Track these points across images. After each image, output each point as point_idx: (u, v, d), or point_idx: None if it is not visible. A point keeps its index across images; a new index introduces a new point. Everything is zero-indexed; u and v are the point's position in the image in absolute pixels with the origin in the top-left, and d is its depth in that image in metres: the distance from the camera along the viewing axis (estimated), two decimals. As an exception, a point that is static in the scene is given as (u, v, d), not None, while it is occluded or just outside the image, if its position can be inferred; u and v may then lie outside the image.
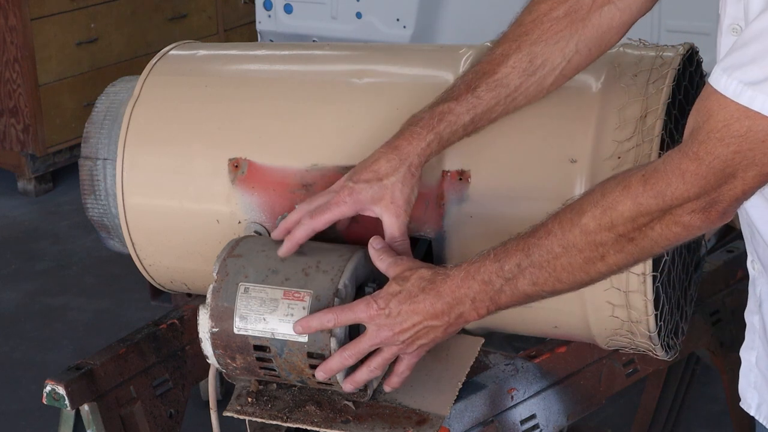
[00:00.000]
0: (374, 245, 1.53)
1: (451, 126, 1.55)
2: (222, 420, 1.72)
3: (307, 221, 1.56)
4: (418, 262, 1.51)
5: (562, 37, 1.54)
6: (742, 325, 1.52)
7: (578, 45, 1.54)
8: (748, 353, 1.50)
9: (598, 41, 1.55)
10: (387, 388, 1.56)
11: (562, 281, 1.38)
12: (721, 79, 1.20)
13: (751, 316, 1.50)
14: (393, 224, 1.55)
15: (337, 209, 1.56)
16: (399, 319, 1.46)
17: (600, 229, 1.32)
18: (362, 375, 1.51)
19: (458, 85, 1.57)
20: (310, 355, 1.51)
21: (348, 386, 1.52)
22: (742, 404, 1.52)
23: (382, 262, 1.52)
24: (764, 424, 1.49)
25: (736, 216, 2.70)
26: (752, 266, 1.48)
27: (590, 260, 1.34)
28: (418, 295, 1.45)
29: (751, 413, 1.51)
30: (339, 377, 1.52)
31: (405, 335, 1.47)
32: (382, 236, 1.56)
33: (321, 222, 1.56)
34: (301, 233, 1.56)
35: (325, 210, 1.56)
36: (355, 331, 1.52)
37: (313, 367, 1.52)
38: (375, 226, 1.64)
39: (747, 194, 1.24)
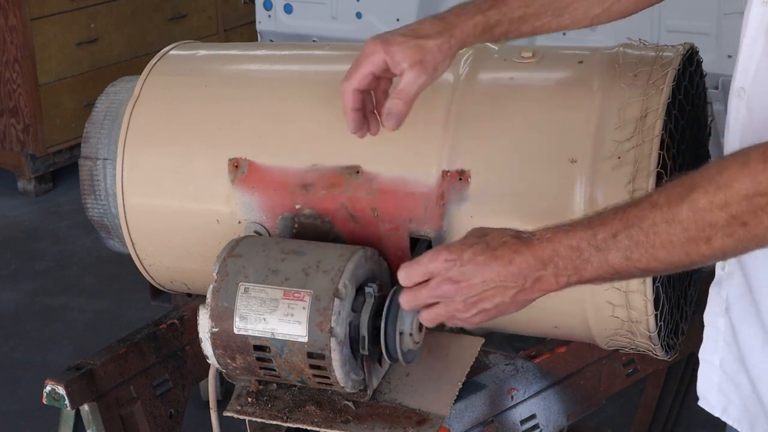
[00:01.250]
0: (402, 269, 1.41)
1: (500, 14, 1.52)
2: (222, 420, 1.73)
3: (344, 85, 1.51)
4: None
5: None
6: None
7: None
8: (709, 355, 1.46)
9: None
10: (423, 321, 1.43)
11: (658, 259, 1.27)
12: None
13: (714, 317, 1.46)
14: (413, 83, 1.48)
15: (368, 60, 1.50)
16: (470, 271, 1.33)
17: (711, 207, 1.22)
18: (405, 299, 1.40)
19: None
20: (310, 355, 1.51)
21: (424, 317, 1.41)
22: (702, 404, 1.49)
23: (419, 262, 1.40)
24: (732, 425, 1.48)
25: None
26: (721, 267, 1.44)
27: (694, 240, 1.24)
28: (497, 248, 1.33)
29: (716, 414, 1.48)
30: (339, 375, 1.52)
31: (471, 292, 1.34)
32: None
33: (357, 78, 1.51)
34: (347, 100, 1.52)
35: (357, 65, 1.51)
36: (355, 332, 1.52)
37: (313, 367, 1.52)
38: (375, 226, 1.64)
39: None
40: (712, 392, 1.48)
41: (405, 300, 1.39)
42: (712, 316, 1.47)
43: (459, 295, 1.35)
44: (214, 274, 1.57)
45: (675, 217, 1.24)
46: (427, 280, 1.37)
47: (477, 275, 1.33)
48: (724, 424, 1.52)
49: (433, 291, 1.36)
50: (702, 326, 1.90)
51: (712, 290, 1.46)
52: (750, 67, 1.31)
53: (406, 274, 1.37)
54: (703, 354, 1.48)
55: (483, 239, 1.34)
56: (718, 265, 1.46)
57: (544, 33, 1.57)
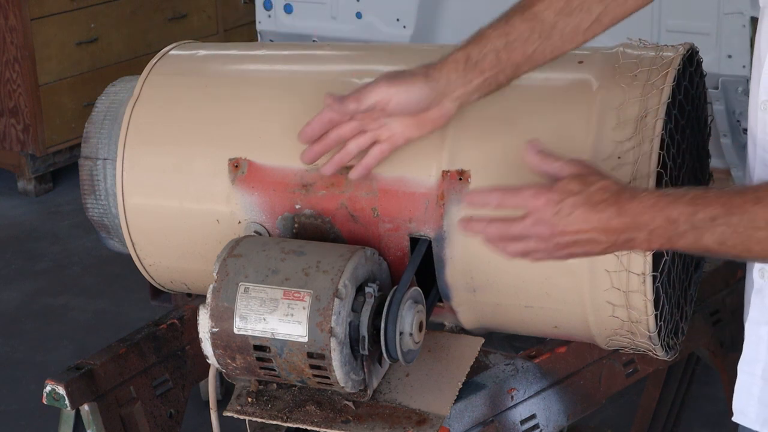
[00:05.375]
0: (533, 149, 1.43)
1: (480, 47, 1.51)
2: (222, 420, 1.73)
3: (340, 106, 1.55)
4: (600, 169, 1.41)
5: None
6: (742, 326, 1.51)
7: None
8: (751, 366, 1.45)
9: None
10: (488, 240, 1.43)
11: (751, 251, 1.30)
12: None
13: (757, 327, 1.45)
14: (384, 153, 1.58)
15: (380, 155, 1.58)
16: (567, 220, 1.35)
17: None
18: (476, 226, 1.43)
19: (495, 18, 1.55)
20: (310, 355, 1.51)
21: (461, 224, 1.46)
22: (738, 418, 1.47)
23: (550, 163, 1.41)
24: None
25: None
26: (760, 275, 1.43)
27: None
28: (599, 203, 1.34)
29: (756, 429, 1.46)
30: (339, 375, 1.52)
31: (564, 238, 1.36)
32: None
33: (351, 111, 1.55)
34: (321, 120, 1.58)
35: (359, 99, 1.54)
36: (355, 332, 1.52)
37: (313, 367, 1.52)
38: (375, 226, 1.64)
39: None
40: (752, 405, 1.46)
41: (495, 229, 1.39)
42: (754, 325, 1.45)
43: (552, 238, 1.36)
44: (214, 274, 1.57)
45: None
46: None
47: (573, 224, 1.34)
48: (723, 424, 1.51)
49: (528, 229, 1.37)
50: (702, 326, 1.90)
51: (755, 298, 1.45)
52: None
53: (500, 198, 1.39)
54: (742, 365, 1.46)
55: (585, 189, 1.35)
56: (756, 273, 1.44)
57: (541, 62, 1.53)
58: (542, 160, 1.42)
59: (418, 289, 1.58)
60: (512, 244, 1.40)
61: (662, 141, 1.52)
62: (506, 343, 2.41)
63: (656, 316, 1.55)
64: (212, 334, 1.55)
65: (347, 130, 1.58)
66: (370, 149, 1.59)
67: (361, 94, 1.53)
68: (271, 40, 3.82)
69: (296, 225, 1.68)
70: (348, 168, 1.64)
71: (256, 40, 4.08)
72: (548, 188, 1.37)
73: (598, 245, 1.36)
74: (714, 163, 1.92)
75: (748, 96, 2.74)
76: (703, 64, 1.73)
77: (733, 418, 1.48)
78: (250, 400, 1.63)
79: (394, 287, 1.55)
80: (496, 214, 1.42)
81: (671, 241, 1.32)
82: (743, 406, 1.47)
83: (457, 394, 1.63)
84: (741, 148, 3.16)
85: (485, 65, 1.52)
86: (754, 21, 2.99)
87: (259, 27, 3.88)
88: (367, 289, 1.54)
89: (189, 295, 2.04)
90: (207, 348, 1.57)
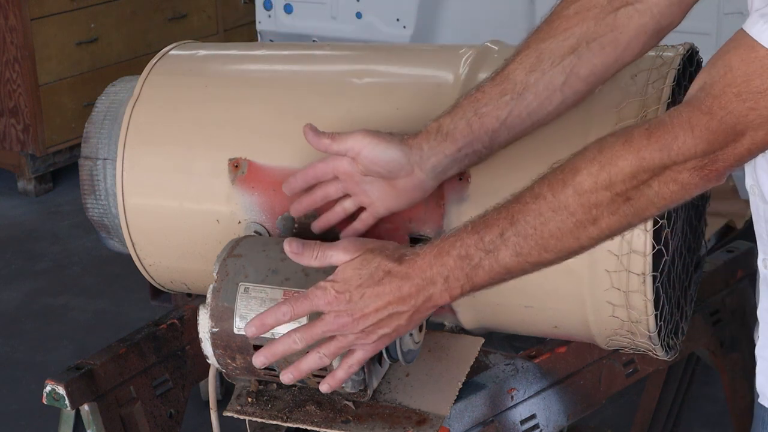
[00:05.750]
0: (293, 249, 1.46)
1: (452, 117, 1.48)
2: (222, 420, 1.73)
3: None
4: (377, 242, 1.43)
5: (571, 34, 1.45)
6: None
7: (589, 42, 1.45)
8: (766, 351, 1.45)
9: (613, 41, 1.45)
10: (324, 388, 1.46)
11: (548, 250, 1.30)
12: (756, 24, 1.17)
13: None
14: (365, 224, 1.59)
15: (365, 226, 1.59)
16: (361, 303, 1.36)
17: (596, 188, 1.24)
18: (309, 363, 1.42)
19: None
20: (310, 355, 1.51)
21: (286, 376, 1.44)
22: (764, 401, 1.46)
23: (320, 258, 1.44)
24: None
25: (738, 215, 2.71)
26: (764, 265, 1.43)
27: (582, 224, 1.27)
28: (383, 278, 1.36)
29: None
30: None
31: (366, 322, 1.37)
32: (379, 234, 1.53)
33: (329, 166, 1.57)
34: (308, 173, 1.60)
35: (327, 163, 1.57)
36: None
37: (313, 367, 1.52)
38: (375, 226, 1.64)
39: (751, 154, 1.21)
40: None
41: (299, 337, 1.40)
42: (766, 313, 1.45)
43: (357, 325, 1.37)
44: (214, 274, 1.57)
45: (561, 204, 1.26)
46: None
47: (369, 306, 1.36)
48: (723, 424, 1.51)
49: (329, 326, 1.38)
50: (702, 326, 1.90)
51: (763, 286, 1.44)
52: None
53: (291, 310, 1.40)
54: (759, 350, 1.46)
55: (366, 270, 1.37)
56: (760, 263, 1.44)
57: (519, 127, 1.48)
58: (310, 257, 1.44)
59: (418, 289, 1.58)
60: (322, 347, 1.40)
61: (662, 141, 1.52)
62: (506, 343, 2.41)
63: (656, 316, 1.55)
64: (212, 334, 1.55)
65: (333, 191, 1.58)
66: (359, 218, 1.59)
67: (336, 135, 1.53)
68: (271, 40, 3.83)
69: (296, 225, 1.68)
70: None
71: (256, 40, 4.08)
72: (331, 282, 1.38)
73: (402, 316, 1.37)
74: (714, 163, 1.91)
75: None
76: (702, 64, 1.72)
77: (759, 401, 1.47)
78: (250, 400, 1.63)
79: (394, 287, 1.55)
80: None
81: (471, 278, 1.33)
82: (765, 389, 1.46)
83: (457, 394, 1.63)
84: (741, 148, 3.16)
85: (457, 135, 1.48)
86: (754, 21, 2.98)
87: (259, 27, 3.88)
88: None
89: (189, 295, 2.04)
90: (207, 348, 1.57)
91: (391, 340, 1.41)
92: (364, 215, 1.59)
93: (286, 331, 1.47)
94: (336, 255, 1.42)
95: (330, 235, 1.66)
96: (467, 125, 1.48)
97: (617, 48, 1.46)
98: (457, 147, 1.49)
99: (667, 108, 1.54)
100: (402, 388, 1.63)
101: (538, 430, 1.72)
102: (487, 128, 1.48)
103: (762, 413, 1.47)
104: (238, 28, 5.63)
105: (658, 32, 1.47)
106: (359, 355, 1.43)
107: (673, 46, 1.65)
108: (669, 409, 2.39)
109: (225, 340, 1.55)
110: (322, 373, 1.52)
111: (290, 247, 1.45)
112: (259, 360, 1.43)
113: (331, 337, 1.41)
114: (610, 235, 1.29)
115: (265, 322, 1.42)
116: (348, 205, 1.59)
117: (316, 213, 1.62)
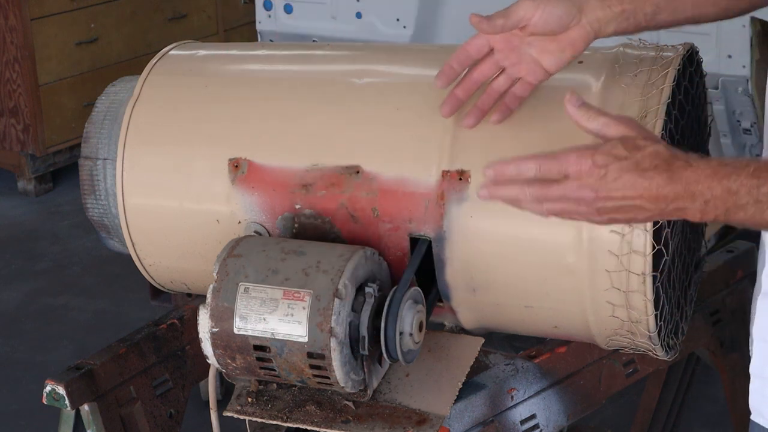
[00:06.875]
0: (572, 101, 1.35)
1: None
2: (222, 420, 1.73)
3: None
4: (649, 132, 1.33)
5: None
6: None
7: None
8: (761, 370, 1.42)
9: None
10: (483, 194, 1.34)
11: None
12: None
13: (765, 332, 1.42)
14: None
15: (523, 93, 1.56)
16: (613, 185, 1.27)
17: None
18: (524, 204, 1.33)
19: None
20: (310, 355, 1.51)
21: (483, 192, 1.35)
22: (756, 418, 1.45)
23: (593, 120, 1.33)
24: None
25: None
26: None
27: None
28: (648, 170, 1.26)
29: None
30: (339, 375, 1.52)
31: (608, 204, 1.28)
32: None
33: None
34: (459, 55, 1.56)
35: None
36: (355, 332, 1.52)
37: (313, 367, 1.52)
38: (375, 226, 1.64)
39: None
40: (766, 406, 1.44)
41: (531, 192, 1.30)
42: (763, 331, 1.43)
43: (595, 203, 1.29)
44: (214, 274, 1.57)
45: None
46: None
47: (619, 190, 1.27)
48: (723, 424, 1.51)
49: (570, 192, 1.29)
50: (702, 326, 1.90)
51: (761, 303, 1.42)
52: None
53: (539, 165, 1.30)
54: (754, 369, 1.44)
55: (634, 154, 1.27)
56: (765, 278, 1.42)
57: (681, 14, 1.49)
58: (584, 114, 1.34)
59: (418, 289, 1.58)
60: (550, 204, 1.32)
61: (662, 141, 1.52)
62: (506, 343, 2.41)
63: (656, 316, 1.55)
64: (212, 334, 1.55)
65: (487, 69, 1.55)
66: (510, 90, 1.55)
67: (506, 11, 1.48)
68: (271, 40, 3.82)
69: (296, 225, 1.68)
70: (347, 168, 1.64)
71: (256, 40, 4.08)
72: (592, 151, 1.29)
73: (644, 212, 1.29)
74: (714, 163, 1.91)
75: (748, 96, 2.74)
76: (703, 64, 1.73)
77: (753, 417, 1.46)
78: (250, 400, 1.63)
79: (394, 287, 1.55)
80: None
81: (728, 213, 1.26)
82: (759, 406, 1.45)
83: (457, 394, 1.63)
84: (741, 148, 3.16)
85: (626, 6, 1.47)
86: (754, 21, 2.99)
87: (259, 27, 3.88)
88: (367, 289, 1.54)
89: (189, 295, 2.04)
90: (207, 348, 1.57)
91: (617, 223, 1.34)
92: (524, 84, 1.56)
93: (283, 329, 1.47)
94: (608, 123, 1.33)
95: (330, 236, 1.66)
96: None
97: None
98: (622, 7, 1.48)
99: (667, 108, 1.54)
100: (402, 388, 1.63)
101: (538, 430, 1.72)
102: (653, 1, 1.48)
103: (754, 428, 1.46)
104: (238, 28, 5.63)
105: None
106: (573, 216, 1.33)
107: (673, 46, 1.66)
108: (669, 409, 2.39)
109: (225, 340, 1.55)
110: (323, 373, 1.52)
111: (571, 97, 1.36)
112: (482, 193, 1.34)
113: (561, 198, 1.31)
114: None
115: (506, 170, 1.33)
116: (502, 82, 1.56)
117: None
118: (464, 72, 1.59)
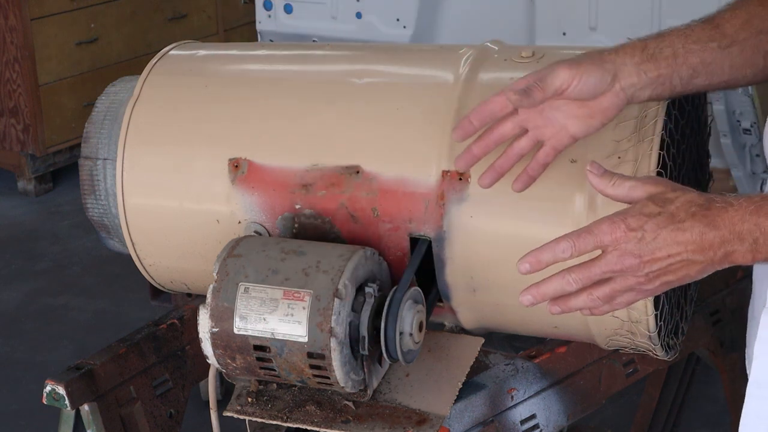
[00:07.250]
0: (594, 170, 1.30)
1: (658, 42, 1.41)
2: (222, 420, 1.73)
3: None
4: (678, 184, 1.27)
5: None
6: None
7: None
8: (758, 389, 1.36)
9: None
10: (556, 310, 1.28)
11: None
12: None
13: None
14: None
15: (545, 159, 1.48)
16: (654, 245, 1.21)
17: None
18: (578, 302, 1.27)
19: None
20: (310, 355, 1.51)
21: (554, 308, 1.28)
22: None
23: (618, 186, 1.28)
24: None
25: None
26: None
27: None
28: (685, 220, 1.20)
29: None
30: (339, 375, 1.52)
31: (654, 266, 1.22)
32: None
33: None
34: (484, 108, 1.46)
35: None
36: (355, 332, 1.52)
37: (313, 367, 1.52)
38: (375, 226, 1.64)
39: None
40: (762, 428, 1.38)
41: (574, 278, 1.25)
42: (766, 345, 1.38)
43: (642, 268, 1.23)
44: (214, 274, 1.57)
45: None
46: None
47: (663, 249, 1.21)
48: (723, 424, 1.50)
49: (612, 266, 1.23)
50: (702, 326, 1.89)
51: (765, 318, 1.38)
52: None
53: (573, 245, 1.24)
54: (751, 389, 1.38)
55: (666, 209, 1.22)
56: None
57: (718, 78, 1.43)
58: (608, 182, 1.30)
59: (418, 289, 1.58)
60: (599, 288, 1.25)
61: (662, 141, 1.52)
62: (506, 343, 2.41)
63: (656, 316, 1.55)
64: (212, 334, 1.55)
65: (509, 128, 1.47)
66: (535, 156, 1.48)
67: (543, 82, 1.39)
68: (271, 40, 3.82)
69: (296, 225, 1.68)
70: (347, 168, 1.64)
71: (256, 40, 4.08)
72: (623, 215, 1.23)
73: (695, 266, 1.23)
74: (714, 163, 1.92)
75: (748, 96, 2.74)
76: (703, 64, 1.72)
77: None
78: (250, 400, 1.63)
79: (394, 287, 1.55)
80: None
81: None
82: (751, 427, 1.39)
83: (457, 394, 1.63)
84: (741, 148, 3.16)
85: (661, 60, 1.41)
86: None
87: (259, 27, 3.88)
88: (367, 289, 1.54)
89: (189, 295, 2.04)
90: (207, 348, 1.57)
91: (672, 287, 1.26)
92: (547, 150, 1.47)
93: (283, 329, 1.46)
94: (634, 186, 1.27)
95: (330, 236, 1.66)
96: (673, 54, 1.41)
97: None
98: (658, 72, 1.42)
99: (667, 108, 1.54)
100: (402, 388, 1.63)
101: (538, 430, 1.72)
102: (690, 65, 1.42)
103: None
104: (238, 28, 5.63)
105: None
106: (629, 297, 1.27)
107: (673, 46, 1.65)
108: (669, 409, 2.39)
109: (225, 340, 1.55)
110: (323, 373, 1.52)
111: (592, 167, 1.30)
112: (525, 299, 1.28)
113: (607, 278, 1.25)
114: None
115: (541, 258, 1.26)
116: (524, 144, 1.48)
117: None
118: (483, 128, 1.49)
